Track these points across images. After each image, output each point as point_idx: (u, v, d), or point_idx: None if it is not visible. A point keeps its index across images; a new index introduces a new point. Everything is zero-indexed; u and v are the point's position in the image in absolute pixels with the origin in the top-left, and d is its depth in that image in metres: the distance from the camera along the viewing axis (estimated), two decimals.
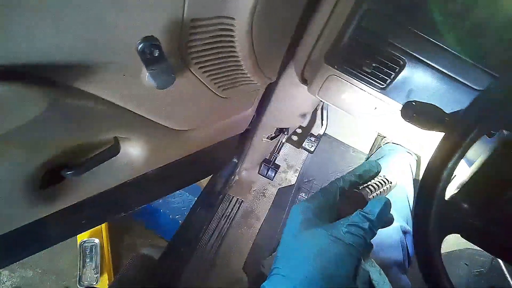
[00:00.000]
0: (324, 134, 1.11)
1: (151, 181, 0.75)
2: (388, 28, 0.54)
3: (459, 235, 0.39)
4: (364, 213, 0.32)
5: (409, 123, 0.41)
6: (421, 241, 0.35)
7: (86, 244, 1.27)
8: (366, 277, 0.31)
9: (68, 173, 0.50)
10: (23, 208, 0.50)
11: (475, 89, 0.55)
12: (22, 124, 0.36)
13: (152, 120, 0.55)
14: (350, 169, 0.37)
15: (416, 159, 1.17)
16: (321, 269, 0.29)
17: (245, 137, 1.10)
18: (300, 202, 0.35)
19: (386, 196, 0.35)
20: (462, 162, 0.35)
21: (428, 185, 0.34)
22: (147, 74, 0.42)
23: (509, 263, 0.49)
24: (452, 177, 0.34)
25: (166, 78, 0.44)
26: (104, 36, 0.37)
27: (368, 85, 0.61)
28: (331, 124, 1.11)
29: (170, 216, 1.44)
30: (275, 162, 1.26)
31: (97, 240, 1.27)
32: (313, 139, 1.11)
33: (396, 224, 0.78)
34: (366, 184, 0.38)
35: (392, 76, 0.58)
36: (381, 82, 0.59)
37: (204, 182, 1.27)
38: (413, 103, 0.39)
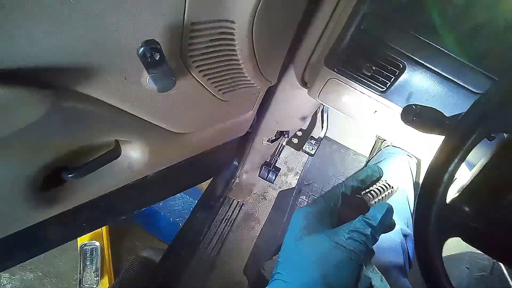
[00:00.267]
0: (325, 136, 1.11)
1: (151, 184, 0.75)
2: (388, 31, 0.54)
3: (460, 238, 0.39)
4: (366, 219, 0.32)
5: (409, 126, 0.41)
6: (422, 245, 0.35)
7: (86, 247, 1.27)
8: (368, 283, 0.31)
9: (69, 175, 0.50)
10: (23, 211, 0.50)
11: (474, 92, 0.55)
12: (23, 127, 0.36)
13: (153, 123, 0.55)
14: (351, 172, 0.37)
15: (416, 162, 1.17)
16: (322, 275, 0.29)
17: (245, 140, 1.10)
18: (302, 207, 0.35)
19: (386, 200, 0.35)
20: (462, 165, 0.35)
21: (429, 189, 0.34)
22: (148, 77, 0.43)
23: (511, 267, 0.49)
24: (453, 180, 0.34)
25: (167, 81, 0.44)
26: (105, 40, 0.37)
27: (368, 88, 0.61)
28: (331, 126, 1.11)
29: (171, 219, 1.44)
30: (276, 165, 1.26)
31: (97, 243, 1.27)
32: (313, 142, 1.11)
33: (396, 227, 0.78)
34: (368, 189, 0.38)
35: (392, 79, 0.58)
36: (381, 85, 0.59)
37: (204, 185, 1.27)
38: (413, 106, 0.39)
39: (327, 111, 1.10)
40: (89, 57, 0.38)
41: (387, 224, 0.33)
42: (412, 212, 0.90)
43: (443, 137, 0.37)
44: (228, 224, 1.21)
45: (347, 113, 0.71)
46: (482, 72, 0.52)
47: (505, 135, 0.38)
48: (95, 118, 0.46)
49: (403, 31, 0.53)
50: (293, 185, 1.38)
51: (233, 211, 1.25)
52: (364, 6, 0.53)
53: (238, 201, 1.28)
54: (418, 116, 0.39)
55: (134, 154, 0.61)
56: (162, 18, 0.39)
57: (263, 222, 1.25)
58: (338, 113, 0.73)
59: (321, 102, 0.72)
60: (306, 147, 1.10)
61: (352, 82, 0.62)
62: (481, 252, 0.40)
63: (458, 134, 0.33)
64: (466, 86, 0.54)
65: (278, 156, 1.24)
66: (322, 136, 1.09)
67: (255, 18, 0.48)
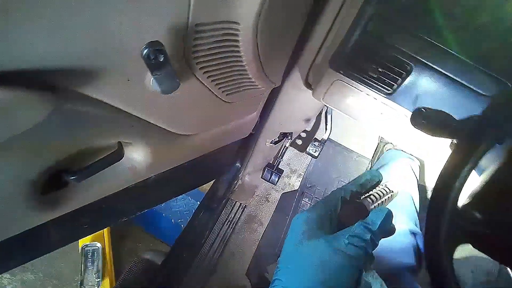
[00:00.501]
0: (328, 139, 1.10)
1: (153, 186, 0.74)
2: (394, 33, 0.53)
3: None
4: (365, 224, 0.32)
5: (417, 129, 0.40)
6: (433, 251, 0.34)
7: (87, 248, 1.26)
8: None
9: (71, 178, 0.49)
10: (25, 213, 0.49)
11: (482, 94, 0.54)
12: (25, 129, 0.35)
13: (156, 125, 0.55)
14: (354, 175, 0.37)
15: (419, 163, 1.17)
16: (322, 280, 0.29)
17: (248, 142, 1.09)
18: (301, 212, 0.35)
19: (389, 203, 0.35)
20: (473, 171, 0.34)
21: (441, 195, 0.33)
22: (152, 79, 0.42)
23: None
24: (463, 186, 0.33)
25: (171, 83, 0.44)
26: (108, 41, 0.37)
27: (374, 90, 0.60)
28: (334, 128, 1.10)
29: (173, 220, 1.43)
30: (279, 166, 1.25)
31: (99, 244, 1.27)
32: (317, 144, 1.10)
33: (405, 228, 0.78)
34: (367, 194, 0.38)
35: (398, 82, 0.57)
36: (388, 88, 0.59)
37: (206, 186, 1.27)
38: (423, 110, 0.39)
39: (331, 113, 1.09)
40: (92, 58, 0.37)
41: (387, 229, 0.33)
42: (418, 211, 0.91)
43: (450, 139, 0.36)
44: (230, 226, 1.20)
45: (352, 115, 0.70)
46: (490, 74, 0.51)
47: None
48: (98, 120, 0.45)
49: (409, 33, 0.53)
50: (296, 187, 1.37)
51: (235, 213, 1.24)
52: (369, 8, 0.52)
53: (240, 203, 1.27)
54: (427, 119, 0.38)
55: (137, 156, 0.60)
56: (166, 19, 0.39)
57: (266, 225, 1.24)
58: (341, 114, 0.72)
59: (326, 104, 0.71)
60: (310, 149, 1.09)
61: (358, 84, 0.61)
62: (486, 256, 0.40)
63: (470, 140, 0.32)
64: (474, 88, 0.53)
65: (281, 158, 1.23)
66: (326, 138, 1.09)
67: (259, 19, 0.47)
